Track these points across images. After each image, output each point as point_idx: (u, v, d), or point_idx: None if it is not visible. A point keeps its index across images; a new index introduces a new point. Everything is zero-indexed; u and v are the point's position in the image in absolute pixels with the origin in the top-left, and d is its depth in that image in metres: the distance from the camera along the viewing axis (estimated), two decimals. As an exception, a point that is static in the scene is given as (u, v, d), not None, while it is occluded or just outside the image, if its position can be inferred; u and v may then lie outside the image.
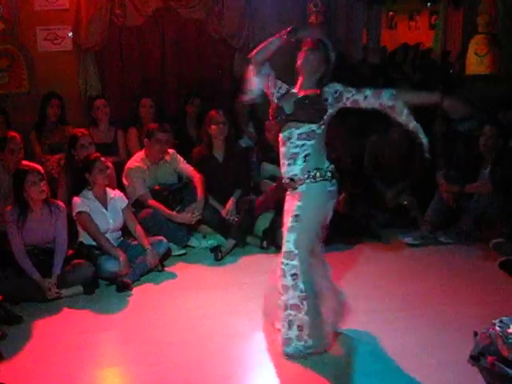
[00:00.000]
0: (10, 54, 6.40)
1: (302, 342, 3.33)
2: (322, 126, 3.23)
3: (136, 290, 4.52)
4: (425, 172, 5.96)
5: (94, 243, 4.63)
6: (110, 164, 5.11)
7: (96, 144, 5.33)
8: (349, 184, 5.69)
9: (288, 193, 3.38)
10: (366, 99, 3.18)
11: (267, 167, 5.70)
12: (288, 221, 3.27)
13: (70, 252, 4.55)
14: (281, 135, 3.34)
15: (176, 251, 5.20)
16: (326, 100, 3.21)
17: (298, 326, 3.31)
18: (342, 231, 5.59)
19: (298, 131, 3.23)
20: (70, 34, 6.53)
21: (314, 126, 3.21)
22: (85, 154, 4.92)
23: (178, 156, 5.54)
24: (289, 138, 3.27)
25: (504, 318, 3.13)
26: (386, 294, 4.33)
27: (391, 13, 12.71)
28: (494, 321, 3.14)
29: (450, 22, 9.39)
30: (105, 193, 4.76)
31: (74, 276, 4.38)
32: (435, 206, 5.53)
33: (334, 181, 3.29)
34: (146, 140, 5.39)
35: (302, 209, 3.22)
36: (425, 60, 10.16)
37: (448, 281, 4.61)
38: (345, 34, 7.64)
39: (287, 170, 3.29)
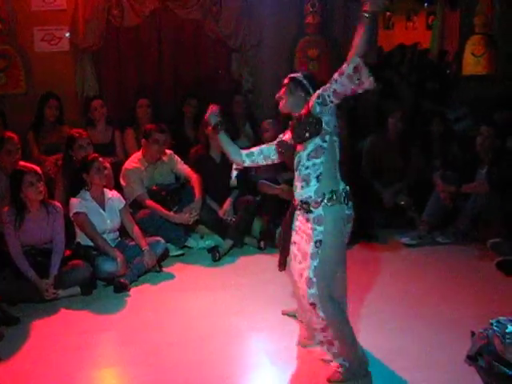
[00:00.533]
0: (7, 54, 6.38)
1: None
2: (327, 137, 3.07)
3: (134, 291, 4.52)
4: (422, 172, 5.98)
5: (91, 244, 4.62)
6: (107, 164, 5.11)
7: (93, 144, 5.32)
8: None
9: (298, 212, 3.21)
10: (338, 82, 2.95)
11: (264, 168, 5.71)
12: (308, 246, 3.09)
13: (68, 253, 4.54)
14: (294, 163, 3.25)
15: (174, 252, 5.20)
16: (316, 110, 3.06)
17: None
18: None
19: (306, 152, 3.10)
20: (67, 35, 6.51)
21: (318, 141, 3.06)
22: (83, 154, 4.92)
23: (176, 156, 5.55)
24: (299, 162, 3.15)
25: (501, 318, 3.14)
26: (383, 294, 4.34)
27: (388, 13, 12.74)
28: (491, 321, 3.15)
29: (446, 22, 9.42)
30: (102, 193, 4.76)
31: (71, 277, 4.38)
32: (432, 206, 5.54)
33: (350, 203, 3.12)
34: (143, 140, 5.39)
35: (323, 234, 3.04)
36: (422, 60, 10.19)
37: (445, 281, 4.62)
38: (342, 35, 7.64)
39: (300, 192, 3.14)
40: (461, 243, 5.41)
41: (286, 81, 3.29)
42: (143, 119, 6.14)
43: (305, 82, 3.24)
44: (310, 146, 3.09)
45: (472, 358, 3.18)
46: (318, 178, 3.08)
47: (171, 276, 4.81)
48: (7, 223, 4.26)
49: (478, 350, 3.14)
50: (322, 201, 3.06)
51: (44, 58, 6.50)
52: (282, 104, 3.28)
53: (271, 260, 4.88)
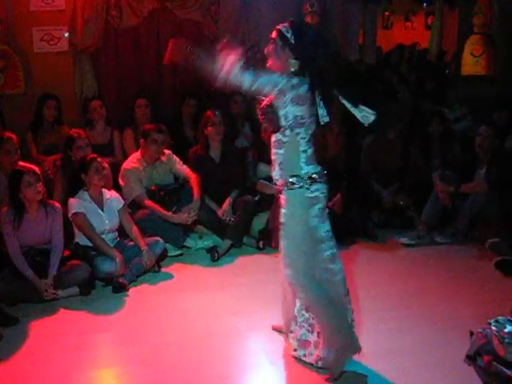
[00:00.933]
0: (5, 54, 6.38)
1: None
2: (287, 132, 3.05)
3: (132, 291, 4.51)
4: (421, 172, 5.99)
5: (90, 244, 4.62)
6: (106, 165, 5.10)
7: (92, 145, 5.33)
8: (345, 185, 5.71)
9: None
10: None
11: (263, 168, 5.70)
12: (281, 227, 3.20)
13: (66, 253, 4.54)
14: None
15: (172, 252, 5.19)
16: (274, 102, 3.03)
17: (318, 333, 3.22)
18: (337, 231, 5.61)
19: (272, 139, 3.16)
20: (66, 35, 6.51)
21: (279, 135, 3.09)
22: (81, 155, 4.91)
23: (175, 157, 5.54)
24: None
25: (500, 318, 3.14)
26: (382, 294, 4.34)
27: (387, 13, 12.75)
28: (489, 320, 3.15)
29: (445, 22, 9.41)
30: (101, 193, 4.76)
31: (70, 277, 4.38)
32: (431, 206, 5.54)
33: (315, 186, 3.09)
34: (142, 140, 5.39)
35: (286, 216, 3.13)
36: (421, 60, 10.19)
37: (444, 280, 4.62)
38: (340, 35, 7.64)
39: (272, 173, 3.23)
40: (460, 243, 5.41)
41: (273, 34, 3.08)
42: (142, 119, 6.13)
43: (292, 40, 3.01)
44: (274, 137, 3.14)
45: (471, 358, 3.18)
46: (280, 165, 3.14)
47: (170, 276, 4.81)
48: (6, 223, 4.26)
49: (476, 349, 3.13)
50: (284, 185, 3.12)
51: (43, 59, 6.50)
52: (269, 62, 3.13)
53: (270, 260, 4.89)
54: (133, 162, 5.36)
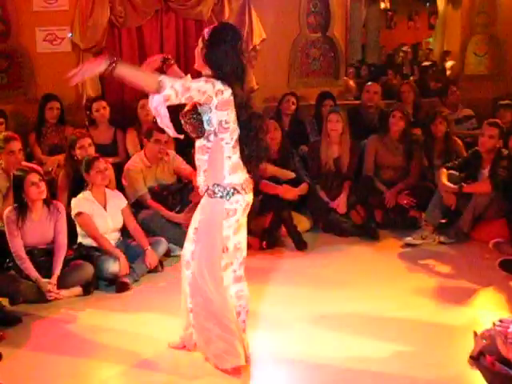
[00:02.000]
0: (9, 54, 6.39)
1: None
2: (211, 137, 3.03)
3: (135, 291, 4.52)
4: (424, 172, 5.97)
5: (93, 244, 4.62)
6: (109, 165, 5.10)
7: (96, 145, 5.33)
8: (348, 184, 5.70)
9: None
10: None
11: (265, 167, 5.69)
12: (191, 230, 3.24)
13: (70, 253, 4.54)
14: None
15: (175, 251, 5.18)
16: (198, 107, 3.02)
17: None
18: (340, 231, 5.62)
19: (196, 145, 3.14)
20: (70, 35, 6.51)
21: (203, 140, 3.07)
22: (85, 155, 4.92)
23: (178, 157, 5.54)
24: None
25: (504, 318, 3.14)
26: (385, 294, 4.33)
27: (390, 13, 12.77)
28: (493, 320, 3.15)
29: (448, 21, 9.41)
30: (104, 193, 4.76)
31: (73, 277, 4.38)
32: (435, 205, 5.52)
33: (236, 197, 3.08)
34: (145, 140, 5.39)
35: (201, 223, 3.15)
36: (424, 60, 10.21)
37: (448, 280, 4.62)
38: (343, 35, 7.64)
39: (197, 179, 3.22)
40: (463, 243, 5.39)
41: (204, 33, 3.14)
42: (145, 120, 6.13)
43: (207, 43, 3.08)
44: (198, 143, 3.12)
45: (475, 358, 3.17)
46: (204, 172, 3.12)
47: (173, 276, 4.79)
48: (9, 223, 4.27)
49: (480, 350, 3.13)
50: (205, 191, 3.11)
51: (46, 59, 6.50)
52: (196, 63, 3.19)
53: (272, 260, 4.89)
54: (136, 161, 5.36)
